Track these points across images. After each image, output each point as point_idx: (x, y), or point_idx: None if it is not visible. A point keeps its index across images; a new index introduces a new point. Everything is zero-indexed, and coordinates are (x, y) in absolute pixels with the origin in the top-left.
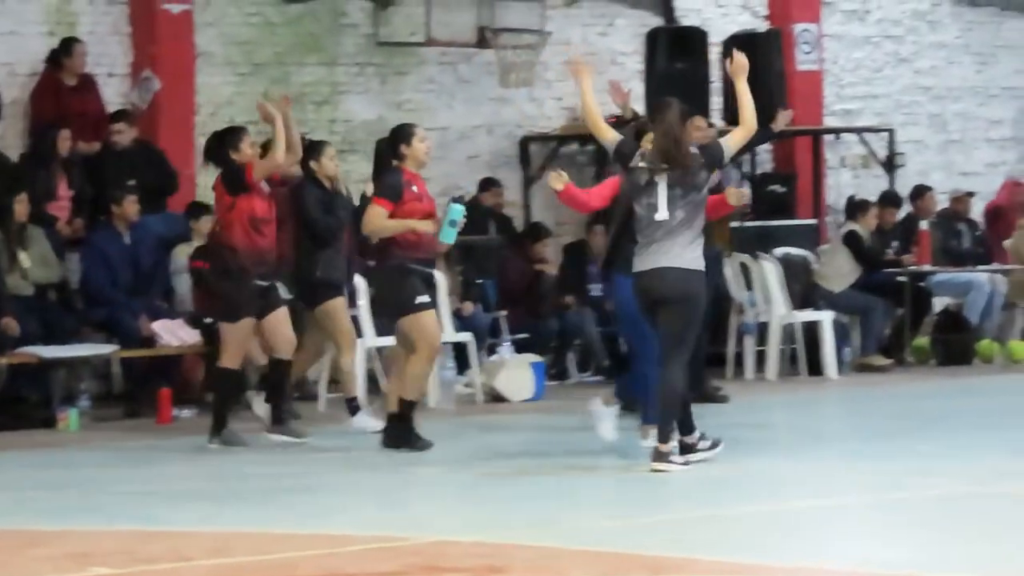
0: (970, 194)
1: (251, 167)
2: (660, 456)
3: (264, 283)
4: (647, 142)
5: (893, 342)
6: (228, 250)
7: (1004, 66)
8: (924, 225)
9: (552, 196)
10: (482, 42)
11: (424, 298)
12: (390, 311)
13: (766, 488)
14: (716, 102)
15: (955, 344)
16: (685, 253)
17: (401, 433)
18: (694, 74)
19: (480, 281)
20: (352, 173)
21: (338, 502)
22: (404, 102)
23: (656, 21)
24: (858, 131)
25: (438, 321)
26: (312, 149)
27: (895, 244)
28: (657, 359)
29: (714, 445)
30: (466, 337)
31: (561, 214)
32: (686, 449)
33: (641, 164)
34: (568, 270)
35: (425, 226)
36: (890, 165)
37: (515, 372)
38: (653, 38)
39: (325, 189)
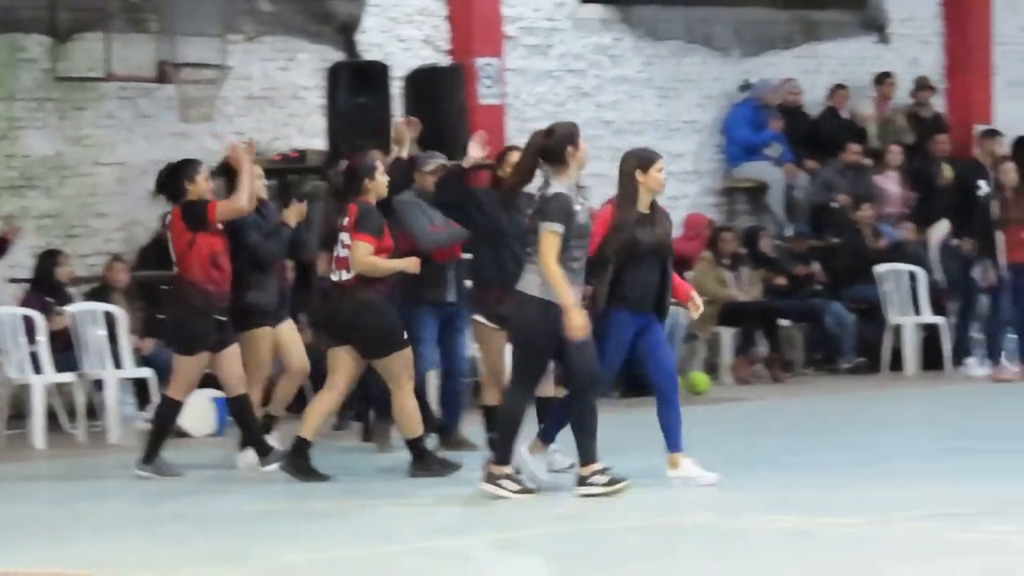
0: None
1: (214, 208)
2: (491, 477)
3: (222, 318)
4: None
5: None
6: (188, 285)
7: (685, 100)
8: None
9: None
10: (162, 77)
11: (404, 335)
12: (368, 346)
13: (448, 522)
14: None
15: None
16: (532, 279)
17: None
18: (376, 108)
19: (161, 317)
20: (31, 209)
21: (14, 537)
22: (83, 137)
23: (338, 56)
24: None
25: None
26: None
27: None
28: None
29: (525, 491)
30: (147, 373)
31: None
32: (491, 478)
33: (578, 207)
34: None
35: (411, 264)
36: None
37: (196, 407)
38: (335, 73)
39: (259, 212)
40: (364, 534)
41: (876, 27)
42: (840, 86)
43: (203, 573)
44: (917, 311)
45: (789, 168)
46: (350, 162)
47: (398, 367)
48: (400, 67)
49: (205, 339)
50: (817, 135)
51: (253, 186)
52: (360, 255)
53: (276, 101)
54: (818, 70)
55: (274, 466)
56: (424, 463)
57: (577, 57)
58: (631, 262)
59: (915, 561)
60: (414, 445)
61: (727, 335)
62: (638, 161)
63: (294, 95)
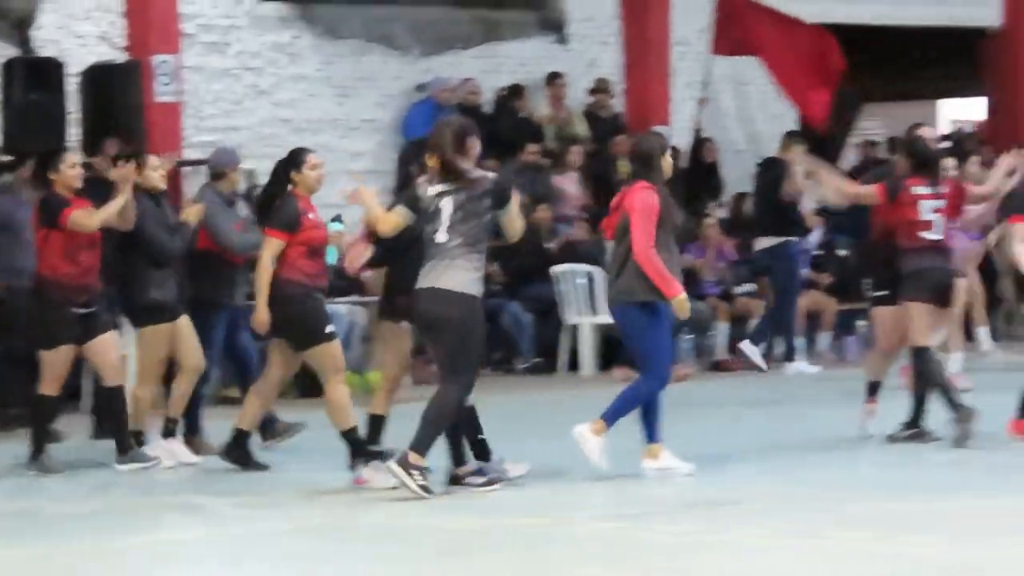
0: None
1: (67, 215)
2: (405, 464)
3: (85, 310)
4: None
5: None
6: (42, 279)
7: (364, 99)
8: None
9: None
10: None
11: (332, 327)
12: (297, 340)
13: (125, 523)
14: (74, 133)
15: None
16: (458, 275)
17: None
18: (51, 105)
19: None
20: None
21: None
22: None
23: (12, 51)
24: None
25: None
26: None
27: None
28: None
29: (491, 482)
30: None
31: None
32: (454, 480)
33: (430, 192)
34: None
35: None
36: (249, 197)
37: None
38: (9, 69)
39: (157, 202)
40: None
41: (555, 27)
42: (518, 86)
43: None
44: (594, 311)
45: None
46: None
47: (324, 358)
48: (76, 64)
49: (63, 332)
50: (496, 135)
51: (128, 209)
52: (266, 251)
53: None
54: (498, 70)
55: (129, 467)
56: (363, 452)
57: (255, 55)
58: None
59: (600, 560)
60: (349, 436)
61: None
62: (660, 145)
63: None
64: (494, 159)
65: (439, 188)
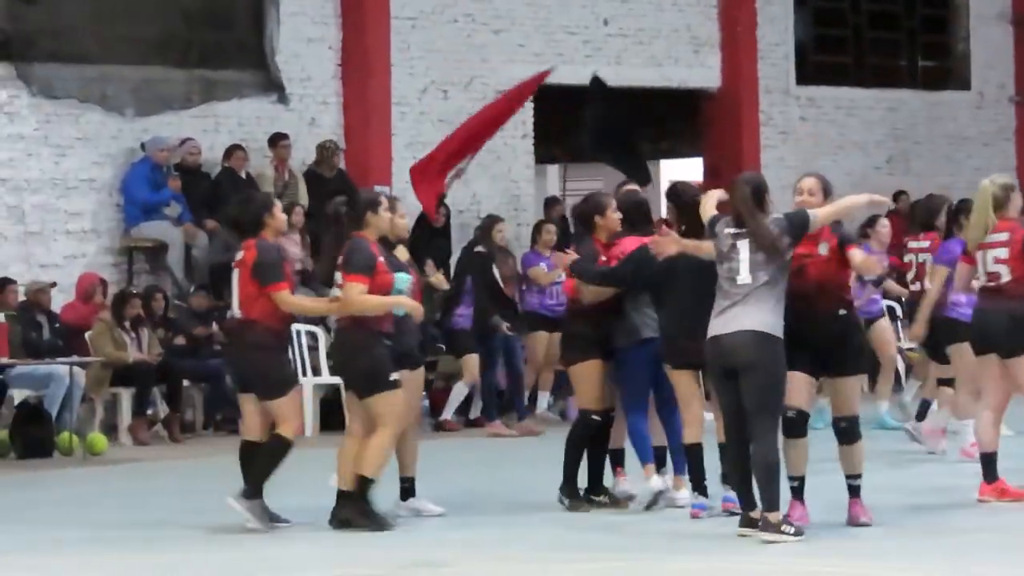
0: (53, 285)
1: None
2: (769, 526)
3: None
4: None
5: None
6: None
7: (83, 158)
8: (2, 318)
9: None
10: None
11: (396, 376)
12: (358, 386)
13: None
14: None
15: (35, 437)
16: (765, 317)
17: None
18: None
19: None
20: None
21: None
22: None
23: None
24: None
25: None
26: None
27: None
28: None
29: (798, 532)
30: None
31: None
32: (769, 526)
33: (727, 231)
34: None
35: (410, 304)
36: None
37: None
38: None
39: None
40: None
41: (275, 87)
42: (237, 146)
43: None
44: (317, 371)
45: (188, 228)
46: (350, 195)
47: (382, 407)
48: None
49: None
50: (216, 195)
51: None
52: (351, 296)
53: None
54: (217, 129)
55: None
56: (356, 511)
57: None
58: None
59: None
60: (363, 486)
61: (126, 396)
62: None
63: None
64: (215, 220)
65: (736, 230)
